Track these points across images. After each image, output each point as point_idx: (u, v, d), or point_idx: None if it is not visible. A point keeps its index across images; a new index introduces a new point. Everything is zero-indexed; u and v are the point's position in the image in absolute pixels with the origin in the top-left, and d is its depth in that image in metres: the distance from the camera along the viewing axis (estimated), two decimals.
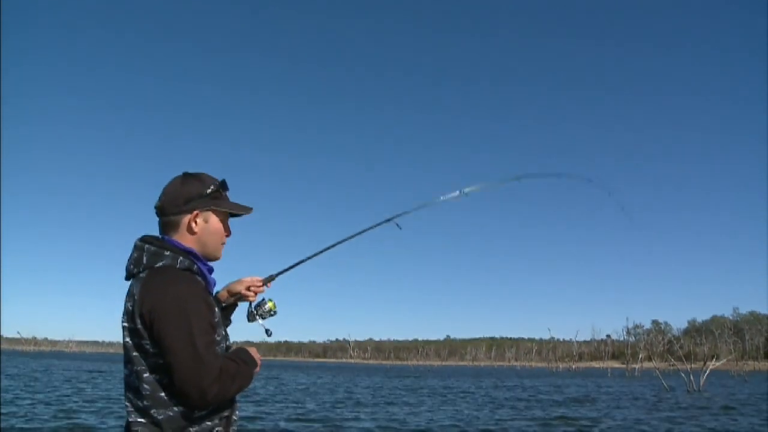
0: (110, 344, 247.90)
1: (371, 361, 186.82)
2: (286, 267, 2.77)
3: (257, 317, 2.61)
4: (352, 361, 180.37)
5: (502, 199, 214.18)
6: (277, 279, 2.73)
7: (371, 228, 3.05)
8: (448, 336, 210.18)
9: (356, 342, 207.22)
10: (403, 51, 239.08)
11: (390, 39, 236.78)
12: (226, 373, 2.12)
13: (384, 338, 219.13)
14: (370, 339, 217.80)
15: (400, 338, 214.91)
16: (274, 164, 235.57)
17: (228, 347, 2.35)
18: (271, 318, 2.64)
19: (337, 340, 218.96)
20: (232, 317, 2.68)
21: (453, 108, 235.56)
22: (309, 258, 2.82)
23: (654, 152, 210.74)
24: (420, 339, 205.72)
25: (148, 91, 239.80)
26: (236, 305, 2.67)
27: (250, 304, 2.64)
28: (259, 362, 2.37)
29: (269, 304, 2.63)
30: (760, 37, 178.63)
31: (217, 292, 2.58)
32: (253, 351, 2.38)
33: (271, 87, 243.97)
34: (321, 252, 2.87)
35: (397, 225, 3.09)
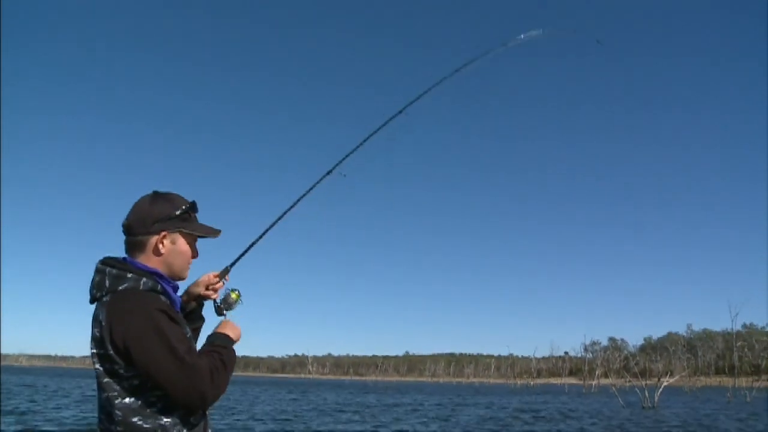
0: (63, 358, 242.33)
1: (330, 377, 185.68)
2: (239, 254, 2.72)
3: (224, 312, 2.57)
4: (311, 376, 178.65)
5: (457, 214, 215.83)
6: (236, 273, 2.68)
7: (313, 187, 2.90)
8: (407, 352, 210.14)
9: (315, 357, 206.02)
10: None
11: None
12: (215, 369, 2.16)
13: (343, 353, 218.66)
14: (329, 354, 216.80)
15: (359, 353, 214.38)
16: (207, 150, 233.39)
17: None
18: (239, 307, 2.60)
19: (295, 355, 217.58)
20: (205, 315, 2.66)
21: None
22: (259, 238, 2.76)
23: (607, 167, 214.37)
24: (379, 354, 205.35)
25: (102, 104, 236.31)
26: (202, 306, 2.65)
27: (215, 301, 2.61)
28: (236, 334, 2.41)
29: (233, 296, 2.59)
30: (760, 37, 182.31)
31: (180, 297, 2.54)
32: (226, 326, 2.43)
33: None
34: (270, 228, 2.80)
35: (342, 174, 2.97)
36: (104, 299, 2.19)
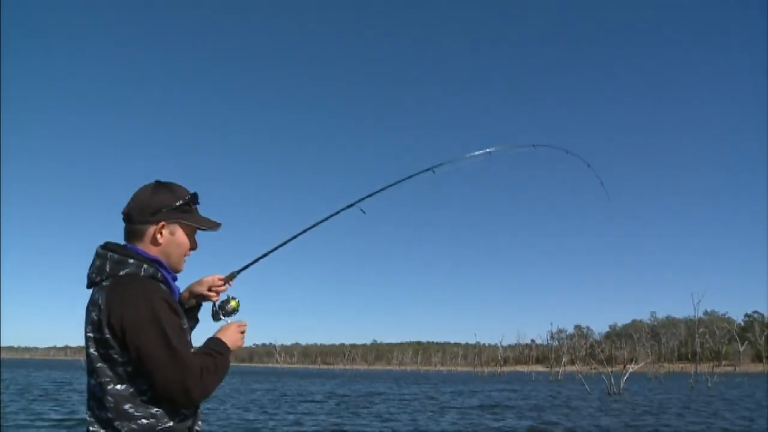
0: (27, 349, 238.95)
1: (298, 366, 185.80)
2: (246, 263, 2.73)
3: (222, 317, 2.58)
4: (279, 365, 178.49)
5: (425, 204, 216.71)
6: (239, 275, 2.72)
7: (334, 215, 2.98)
8: (374, 340, 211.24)
9: (283, 346, 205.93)
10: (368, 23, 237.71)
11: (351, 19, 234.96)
12: (206, 371, 2.16)
13: (310, 342, 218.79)
14: (297, 343, 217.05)
15: (327, 342, 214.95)
16: (231, 156, 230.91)
17: None
18: (235, 316, 2.61)
19: (263, 344, 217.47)
20: (200, 316, 2.67)
21: (424, 81, 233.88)
22: (270, 252, 2.79)
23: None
24: (347, 343, 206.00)
25: (101, 95, 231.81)
26: (200, 306, 2.65)
27: (214, 303, 2.61)
28: (236, 343, 2.42)
29: (232, 303, 2.59)
30: (759, 35, 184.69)
31: (181, 294, 2.57)
32: (226, 333, 2.42)
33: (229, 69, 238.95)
34: (283, 244, 2.83)
35: (362, 210, 3.05)
36: (104, 283, 2.19)
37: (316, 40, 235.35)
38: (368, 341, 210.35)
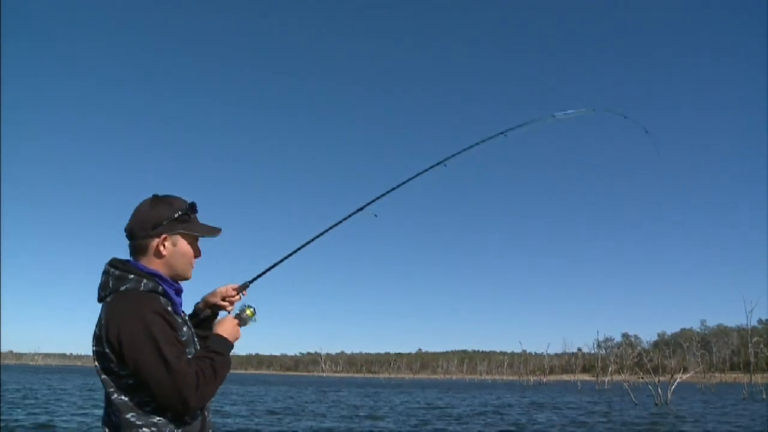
0: (78, 357, 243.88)
1: (343, 374, 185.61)
2: (259, 272, 2.79)
3: (238, 325, 2.60)
4: (324, 374, 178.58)
5: (472, 213, 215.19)
6: (254, 284, 2.76)
7: (345, 219, 2.96)
8: (419, 349, 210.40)
9: (328, 355, 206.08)
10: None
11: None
12: (203, 377, 2.20)
13: (356, 351, 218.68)
14: (342, 352, 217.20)
15: (372, 351, 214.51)
16: (244, 164, 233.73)
17: None
18: (253, 324, 2.65)
19: (308, 353, 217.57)
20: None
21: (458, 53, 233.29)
22: (282, 260, 2.83)
23: (618, 164, 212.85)
24: (392, 352, 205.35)
25: (117, 101, 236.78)
26: (216, 315, 2.71)
27: (228, 313, 2.67)
28: (235, 335, 2.48)
29: (248, 312, 2.63)
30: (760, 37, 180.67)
31: (196, 304, 2.69)
32: (223, 326, 2.49)
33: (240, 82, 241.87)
34: (295, 252, 2.87)
35: (374, 214, 3.04)
36: (107, 299, 2.29)
37: (327, 41, 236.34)
38: (413, 350, 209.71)
